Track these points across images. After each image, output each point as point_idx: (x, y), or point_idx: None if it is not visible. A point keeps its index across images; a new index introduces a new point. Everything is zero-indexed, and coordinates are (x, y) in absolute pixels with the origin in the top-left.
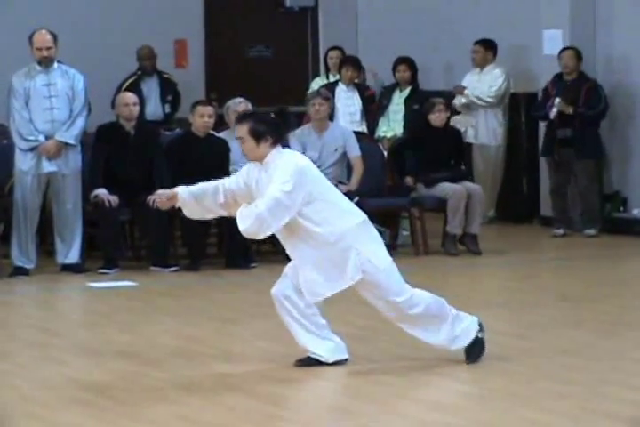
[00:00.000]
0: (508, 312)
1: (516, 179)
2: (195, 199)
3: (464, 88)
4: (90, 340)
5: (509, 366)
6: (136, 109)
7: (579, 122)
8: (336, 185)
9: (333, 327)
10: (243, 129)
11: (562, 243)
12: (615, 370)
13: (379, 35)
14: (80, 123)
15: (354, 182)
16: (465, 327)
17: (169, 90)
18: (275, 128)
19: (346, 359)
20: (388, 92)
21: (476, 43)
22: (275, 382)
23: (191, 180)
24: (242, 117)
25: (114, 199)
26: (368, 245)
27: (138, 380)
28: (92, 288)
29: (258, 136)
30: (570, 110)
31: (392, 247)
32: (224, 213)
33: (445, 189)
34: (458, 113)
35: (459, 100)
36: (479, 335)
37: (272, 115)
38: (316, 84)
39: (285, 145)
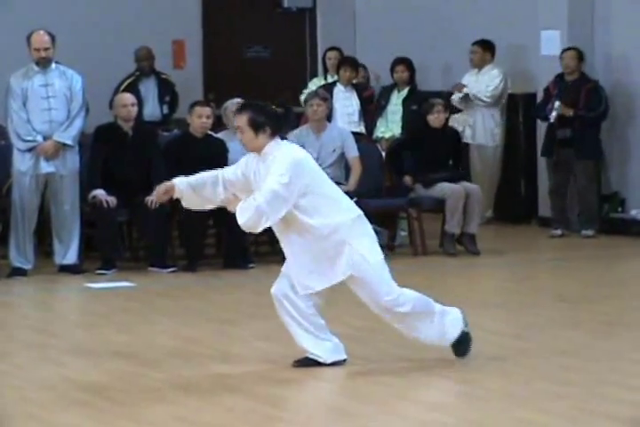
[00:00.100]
0: (506, 313)
1: (514, 179)
2: (193, 190)
3: (464, 86)
4: (88, 340)
5: (507, 366)
6: (134, 110)
7: (579, 123)
8: None
9: (332, 328)
10: (242, 119)
11: (559, 243)
12: (613, 371)
13: (377, 35)
14: (78, 123)
15: (352, 183)
16: (452, 320)
17: (167, 90)
18: (274, 119)
19: (344, 360)
20: (386, 92)
21: (474, 43)
22: (273, 382)
23: None
24: (242, 107)
25: (112, 200)
26: (361, 240)
27: (136, 380)
28: (90, 289)
29: (257, 127)
30: (570, 113)
31: (390, 248)
32: (222, 204)
33: (444, 188)
34: (456, 112)
35: (456, 96)
36: (465, 329)
37: (273, 106)
38: (314, 84)
39: (284, 137)
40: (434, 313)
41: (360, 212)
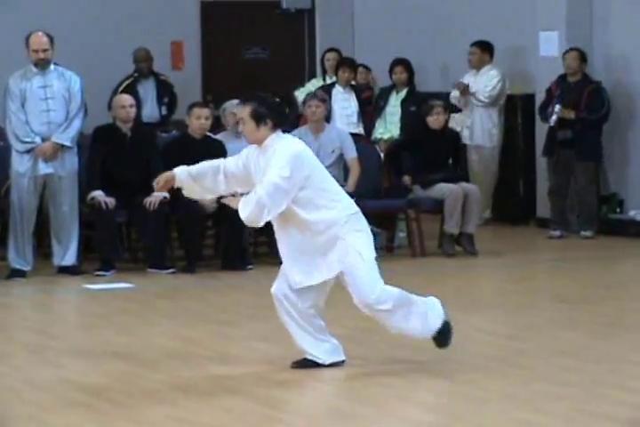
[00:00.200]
0: (505, 313)
1: (513, 180)
2: (193, 180)
3: (465, 85)
4: (87, 342)
5: (506, 367)
6: (133, 111)
7: (580, 125)
8: None
9: (331, 329)
10: (244, 110)
11: (558, 244)
12: (612, 372)
13: (375, 36)
14: (76, 125)
15: (350, 184)
16: (433, 311)
17: (165, 92)
18: (276, 112)
19: (343, 361)
20: (384, 93)
21: (473, 44)
22: (272, 384)
23: None
24: (245, 99)
25: (110, 201)
26: (357, 236)
27: (135, 382)
28: (89, 290)
29: (258, 118)
30: (572, 115)
31: (389, 249)
32: (224, 193)
33: (442, 189)
34: (456, 111)
35: (456, 93)
36: (446, 319)
37: (277, 99)
38: (313, 85)
39: (286, 130)
40: (414, 306)
41: (357, 209)
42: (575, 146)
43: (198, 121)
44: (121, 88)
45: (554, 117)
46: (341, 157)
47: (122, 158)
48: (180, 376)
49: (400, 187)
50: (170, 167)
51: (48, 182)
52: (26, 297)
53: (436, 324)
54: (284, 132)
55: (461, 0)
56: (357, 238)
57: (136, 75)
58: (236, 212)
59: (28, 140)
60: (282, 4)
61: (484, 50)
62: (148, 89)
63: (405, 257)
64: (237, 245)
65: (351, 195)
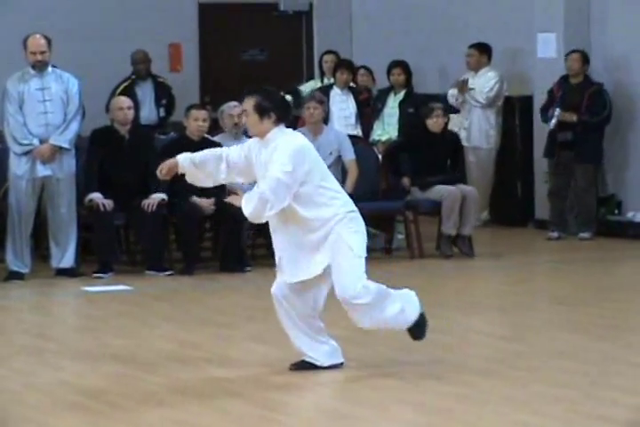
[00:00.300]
0: (503, 315)
1: (511, 182)
2: (196, 167)
3: (465, 84)
4: (85, 344)
5: (504, 369)
6: (130, 113)
7: (581, 127)
8: None
9: (330, 330)
10: (249, 102)
11: (556, 246)
12: (610, 374)
13: (373, 38)
14: (74, 127)
15: (348, 186)
16: (409, 303)
17: (163, 94)
18: (280, 106)
19: (341, 364)
20: (382, 95)
21: (471, 46)
22: (270, 386)
23: (186, 183)
24: (251, 91)
25: (108, 203)
26: (351, 233)
27: (133, 384)
28: (87, 292)
29: (262, 111)
30: (574, 117)
31: (387, 251)
32: (224, 182)
33: (440, 191)
34: (454, 112)
35: (452, 92)
36: (422, 311)
37: (282, 93)
38: (309, 87)
39: (290, 126)
40: (391, 299)
41: (355, 209)
42: (575, 148)
43: (196, 123)
44: (119, 90)
45: (553, 121)
46: (339, 158)
47: (120, 161)
48: (179, 378)
49: (398, 189)
50: None
51: (46, 185)
52: (24, 299)
53: (412, 316)
54: (287, 127)
55: (459, 2)
56: (352, 235)
57: (134, 77)
58: (234, 214)
59: (25, 142)
60: (280, 6)
61: (482, 52)
62: (145, 91)
63: (404, 259)
64: (235, 247)
65: (349, 196)
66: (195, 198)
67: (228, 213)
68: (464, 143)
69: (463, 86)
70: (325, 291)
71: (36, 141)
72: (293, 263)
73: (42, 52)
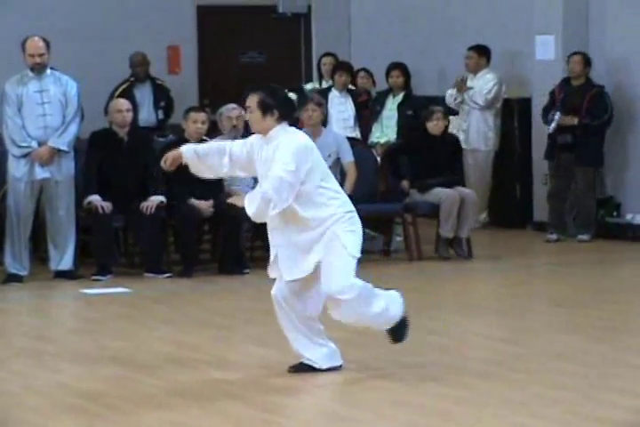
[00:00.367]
0: (501, 317)
1: (510, 184)
2: (198, 158)
3: (463, 82)
4: (84, 347)
5: (502, 371)
6: (129, 116)
7: (581, 130)
8: None
9: (328, 333)
10: (253, 99)
11: (555, 248)
12: (609, 376)
13: (372, 40)
14: (73, 129)
15: (347, 188)
16: (393, 304)
17: (162, 96)
18: (284, 104)
19: (340, 366)
20: (381, 97)
21: (470, 48)
22: (269, 388)
23: (185, 185)
24: (254, 88)
25: (107, 206)
26: (347, 232)
27: (132, 387)
28: (86, 295)
29: (265, 108)
30: (574, 121)
31: (386, 253)
32: (225, 176)
33: (439, 193)
34: (452, 114)
35: (451, 91)
36: (404, 314)
37: (287, 91)
38: (307, 89)
39: (293, 124)
40: (376, 298)
41: (353, 209)
42: (575, 150)
43: (195, 125)
44: (117, 92)
45: (553, 125)
46: (338, 161)
47: (118, 163)
48: (177, 381)
49: (397, 191)
50: (166, 172)
51: (45, 187)
52: (22, 302)
53: (395, 317)
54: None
55: (458, 4)
56: (347, 234)
57: (132, 79)
58: (232, 216)
59: (24, 144)
60: (278, 9)
61: (481, 54)
62: (144, 93)
63: (402, 261)
64: (234, 250)
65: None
66: (193, 201)
67: (227, 216)
68: (462, 145)
69: (462, 85)
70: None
71: (34, 144)
72: (289, 261)
73: (40, 55)
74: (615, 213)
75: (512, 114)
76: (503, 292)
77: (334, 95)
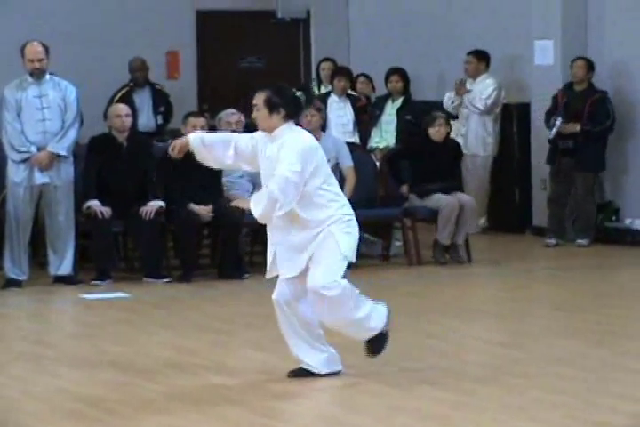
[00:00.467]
0: (500, 322)
1: (509, 189)
2: (204, 147)
3: (462, 84)
4: (83, 351)
5: (501, 375)
6: (128, 121)
7: (582, 136)
8: None
9: (328, 338)
10: (260, 97)
11: (554, 253)
12: (608, 380)
13: (371, 45)
14: (72, 134)
15: (346, 193)
16: (378, 315)
17: (161, 101)
18: (291, 103)
19: (339, 371)
20: (380, 102)
21: (469, 53)
22: (268, 393)
23: (184, 190)
24: (263, 86)
25: (106, 211)
26: (343, 233)
27: (131, 391)
28: (85, 300)
29: (272, 106)
30: (577, 127)
31: (385, 258)
32: (228, 168)
33: (439, 200)
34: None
35: (449, 95)
36: (386, 328)
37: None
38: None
39: (299, 124)
40: (362, 304)
41: (352, 212)
42: (576, 155)
43: (194, 130)
44: (116, 98)
45: (554, 131)
46: (337, 166)
47: (118, 168)
48: (177, 386)
49: (396, 195)
50: (166, 176)
51: (44, 192)
52: (22, 307)
53: (374, 329)
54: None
55: (457, 9)
56: (343, 235)
57: (132, 84)
58: (231, 221)
59: (23, 149)
60: (277, 14)
61: (481, 59)
62: (143, 98)
63: (401, 266)
64: (233, 255)
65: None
66: (192, 206)
67: (226, 221)
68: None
69: (460, 87)
70: None
71: (33, 149)
72: (285, 259)
73: (39, 60)
74: (614, 218)
75: (511, 119)
76: (502, 296)
77: (333, 100)
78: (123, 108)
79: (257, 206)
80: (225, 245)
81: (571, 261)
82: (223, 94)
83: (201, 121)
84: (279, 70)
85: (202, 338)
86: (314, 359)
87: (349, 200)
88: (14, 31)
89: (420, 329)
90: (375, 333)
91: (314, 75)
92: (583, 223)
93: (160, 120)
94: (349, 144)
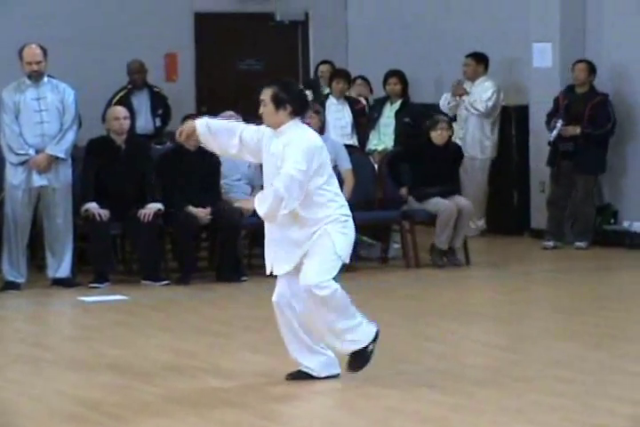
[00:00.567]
0: (499, 324)
1: (507, 191)
2: (210, 133)
3: (460, 85)
4: (81, 354)
5: (499, 378)
6: (126, 123)
7: (583, 139)
8: None
9: None
10: (267, 92)
11: (552, 255)
12: (606, 383)
13: (369, 48)
14: (70, 137)
15: (344, 195)
16: (365, 331)
17: (159, 104)
18: (298, 99)
19: (338, 374)
20: (378, 105)
21: (468, 56)
22: (267, 396)
23: (182, 193)
24: (270, 82)
25: (104, 213)
26: (339, 233)
27: (129, 394)
28: (83, 302)
29: (278, 102)
30: (577, 131)
31: (383, 260)
32: (231, 157)
33: (437, 204)
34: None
35: (445, 96)
36: (371, 347)
37: (302, 87)
38: None
39: (305, 121)
40: (352, 312)
41: (350, 213)
42: (576, 158)
43: None
44: (115, 100)
45: (554, 133)
46: (335, 168)
47: (116, 170)
48: (175, 389)
49: (395, 198)
50: (164, 179)
51: (42, 194)
52: (20, 309)
53: (357, 343)
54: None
55: (456, 12)
56: (339, 235)
57: (130, 87)
58: (229, 224)
59: (21, 152)
60: (276, 16)
61: (479, 61)
62: (142, 101)
63: (400, 268)
64: (231, 257)
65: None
66: (191, 208)
67: (225, 223)
68: None
69: (457, 88)
70: None
71: (31, 151)
72: (280, 255)
73: (38, 62)
74: (612, 221)
75: (509, 121)
76: (500, 299)
77: (332, 103)
78: (121, 111)
79: (262, 205)
80: (223, 247)
81: (569, 263)
82: (221, 97)
83: None
84: (278, 72)
85: (200, 341)
86: (313, 362)
87: (348, 202)
88: (13, 34)
89: (418, 332)
90: (355, 347)
91: (312, 77)
92: (582, 226)
93: (158, 122)
94: (348, 147)
